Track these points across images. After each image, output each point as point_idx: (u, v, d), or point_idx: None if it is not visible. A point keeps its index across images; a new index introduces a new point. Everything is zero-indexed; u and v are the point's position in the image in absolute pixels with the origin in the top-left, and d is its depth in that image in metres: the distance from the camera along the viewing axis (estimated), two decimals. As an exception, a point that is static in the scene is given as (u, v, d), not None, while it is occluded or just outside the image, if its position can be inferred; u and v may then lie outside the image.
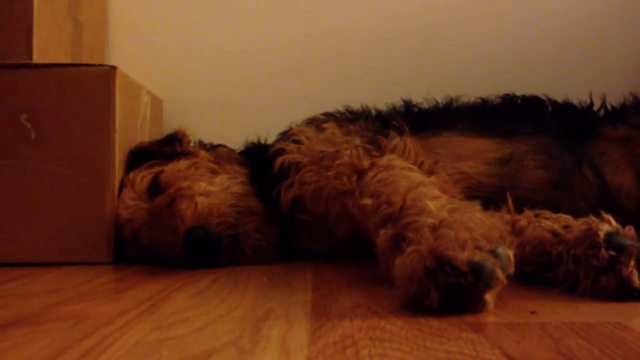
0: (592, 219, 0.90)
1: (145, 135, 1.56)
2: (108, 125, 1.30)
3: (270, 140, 1.45)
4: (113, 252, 1.30)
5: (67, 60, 1.50)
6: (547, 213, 1.01)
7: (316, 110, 1.48)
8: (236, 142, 1.53)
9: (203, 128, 1.82)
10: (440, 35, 1.84)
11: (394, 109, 1.47)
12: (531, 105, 1.51)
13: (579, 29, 1.84)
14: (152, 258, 1.25)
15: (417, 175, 1.04)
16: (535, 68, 1.83)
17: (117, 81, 1.30)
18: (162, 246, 1.21)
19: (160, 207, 1.23)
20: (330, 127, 1.33)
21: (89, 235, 1.29)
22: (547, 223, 0.95)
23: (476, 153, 1.35)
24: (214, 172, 1.34)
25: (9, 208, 1.29)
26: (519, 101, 1.53)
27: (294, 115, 1.48)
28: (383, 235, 0.88)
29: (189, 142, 1.46)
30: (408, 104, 1.48)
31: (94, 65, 1.31)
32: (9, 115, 1.29)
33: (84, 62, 1.62)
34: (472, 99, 1.51)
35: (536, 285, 0.92)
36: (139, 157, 1.40)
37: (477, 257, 0.73)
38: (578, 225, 0.91)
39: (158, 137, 1.67)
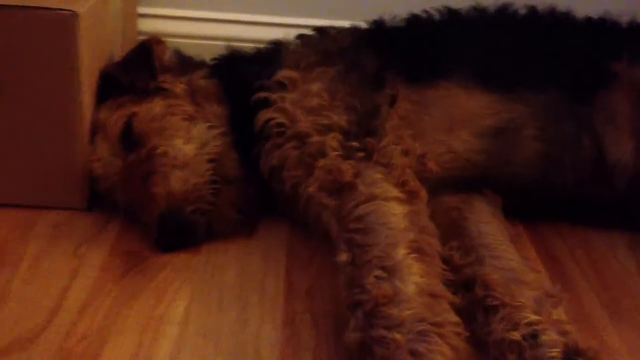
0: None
1: (118, 33, 1.41)
2: (73, 69, 1.17)
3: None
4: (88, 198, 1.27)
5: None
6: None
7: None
8: None
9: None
10: None
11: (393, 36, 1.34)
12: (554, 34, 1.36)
13: None
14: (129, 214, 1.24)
15: (397, 224, 0.99)
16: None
17: (81, 25, 1.14)
18: (137, 214, 1.20)
19: (134, 172, 1.18)
20: (319, 89, 1.21)
21: (61, 183, 1.25)
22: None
23: (472, 118, 1.26)
24: (192, 119, 1.26)
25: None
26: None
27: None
28: (352, 335, 0.89)
29: (163, 54, 1.34)
30: (411, 24, 1.36)
31: (51, 9, 1.13)
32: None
33: None
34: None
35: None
36: (108, 82, 1.29)
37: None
38: None
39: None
